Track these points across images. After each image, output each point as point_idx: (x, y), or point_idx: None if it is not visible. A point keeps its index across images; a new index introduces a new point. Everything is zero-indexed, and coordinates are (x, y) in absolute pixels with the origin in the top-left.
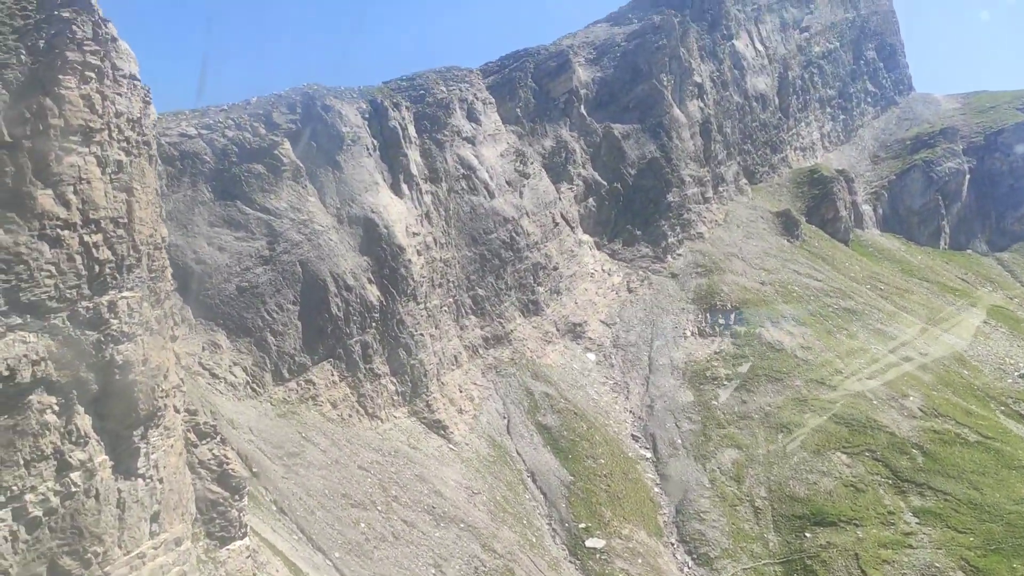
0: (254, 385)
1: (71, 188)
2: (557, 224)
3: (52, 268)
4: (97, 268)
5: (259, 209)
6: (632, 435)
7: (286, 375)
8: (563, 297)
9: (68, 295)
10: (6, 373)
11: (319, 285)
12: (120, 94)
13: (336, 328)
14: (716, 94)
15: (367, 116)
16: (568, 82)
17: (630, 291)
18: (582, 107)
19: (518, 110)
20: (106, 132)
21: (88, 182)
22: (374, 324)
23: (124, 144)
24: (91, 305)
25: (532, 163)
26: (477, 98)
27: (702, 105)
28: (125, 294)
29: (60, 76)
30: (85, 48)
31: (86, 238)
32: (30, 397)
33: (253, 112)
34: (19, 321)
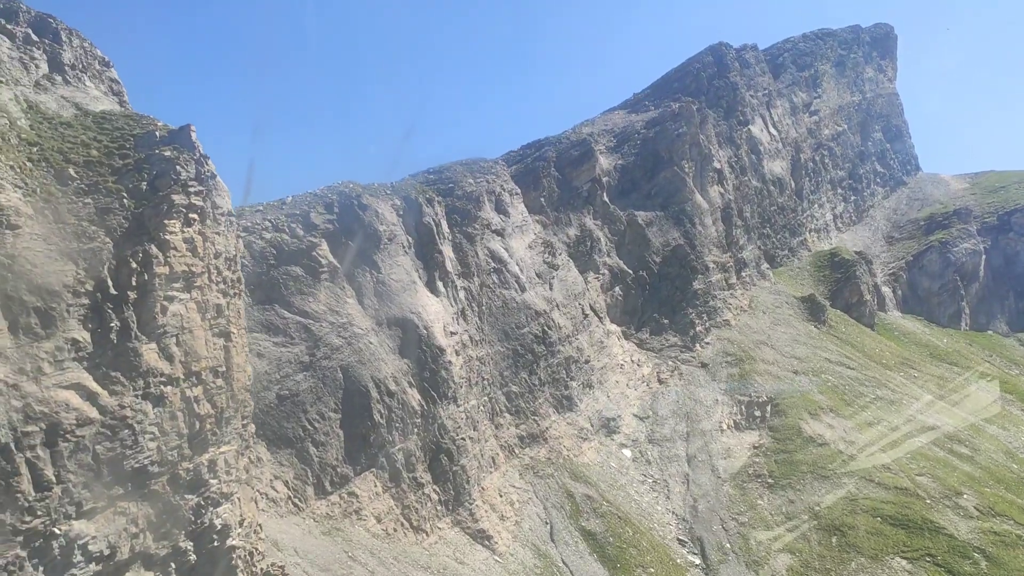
0: (296, 500)
1: (174, 340)
2: (587, 315)
3: (155, 429)
4: (198, 425)
5: (298, 312)
6: (678, 539)
7: (328, 488)
8: (595, 391)
9: (170, 457)
10: (107, 552)
11: (361, 391)
12: (218, 233)
13: (379, 436)
14: (735, 179)
15: (401, 213)
16: (591, 170)
17: (660, 382)
18: (605, 195)
19: (542, 199)
20: (206, 275)
21: (190, 331)
22: (416, 430)
23: (222, 286)
24: (191, 466)
25: (560, 253)
26: (504, 189)
27: (722, 191)
28: (223, 449)
29: (165, 221)
30: (190, 189)
31: (188, 392)
32: (127, 575)
33: (290, 212)
34: (121, 491)
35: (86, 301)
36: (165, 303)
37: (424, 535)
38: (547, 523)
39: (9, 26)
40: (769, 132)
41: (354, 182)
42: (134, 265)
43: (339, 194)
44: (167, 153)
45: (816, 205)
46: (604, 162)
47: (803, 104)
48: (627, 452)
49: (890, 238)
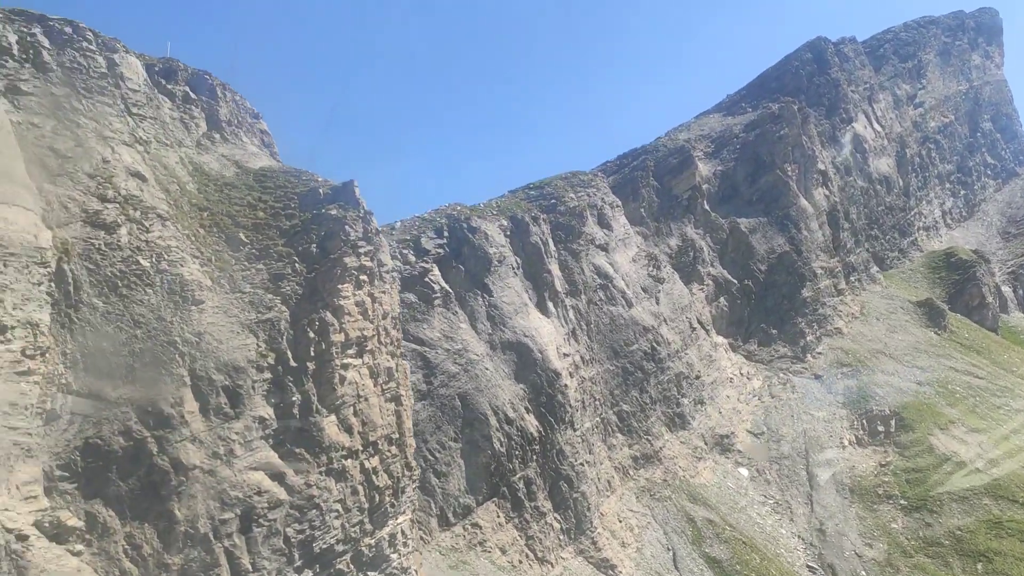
0: (421, 533)
1: (351, 410)
2: (694, 329)
3: (339, 506)
4: (377, 498)
5: (412, 340)
6: (808, 566)
7: (451, 519)
8: (707, 407)
9: (352, 534)
10: None
11: (480, 419)
12: (384, 292)
13: (499, 465)
14: (840, 180)
15: (508, 233)
16: (691, 178)
17: (772, 396)
18: (705, 203)
19: (642, 210)
20: (376, 338)
21: (366, 399)
22: (535, 457)
23: (391, 347)
24: (372, 542)
25: (664, 266)
26: (605, 202)
27: (827, 193)
28: (400, 520)
29: (339, 286)
30: (360, 250)
31: (366, 464)
32: None
33: (400, 238)
34: (310, 574)
35: (268, 375)
36: (342, 372)
37: (549, 566)
38: (669, 549)
39: (169, 86)
40: (873, 128)
41: (460, 204)
42: (311, 334)
43: (447, 217)
44: (333, 212)
45: (924, 202)
46: (703, 169)
47: (907, 96)
48: (744, 471)
49: (1005, 233)
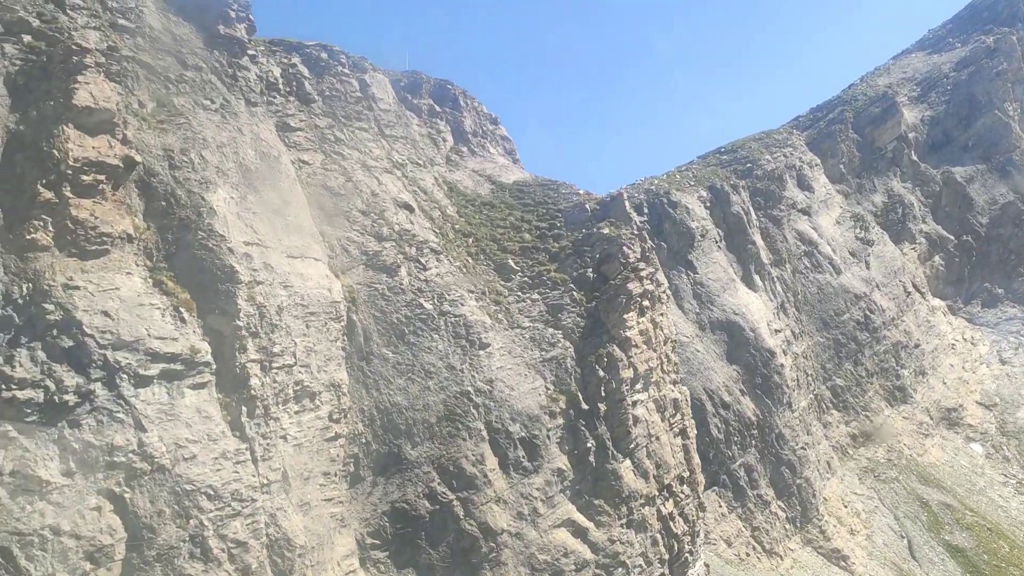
0: None
1: (644, 451)
2: (909, 293)
3: (641, 560)
4: (676, 546)
5: None
6: None
7: None
8: (929, 378)
9: None
10: None
11: (695, 404)
12: (663, 315)
13: (718, 452)
14: None
15: (708, 204)
16: (895, 128)
17: (1003, 362)
18: (913, 153)
19: (841, 167)
20: (659, 367)
21: (656, 438)
22: (753, 442)
23: (673, 375)
24: None
25: (871, 227)
26: (803, 162)
27: None
28: (697, 569)
29: (624, 316)
30: (641, 273)
31: (663, 510)
32: None
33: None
34: None
35: (561, 421)
36: (633, 411)
37: (778, 559)
38: (903, 536)
39: (415, 100)
40: None
41: (656, 177)
42: (600, 371)
43: (645, 192)
44: (606, 230)
45: None
46: (909, 116)
47: None
48: (977, 447)
49: None
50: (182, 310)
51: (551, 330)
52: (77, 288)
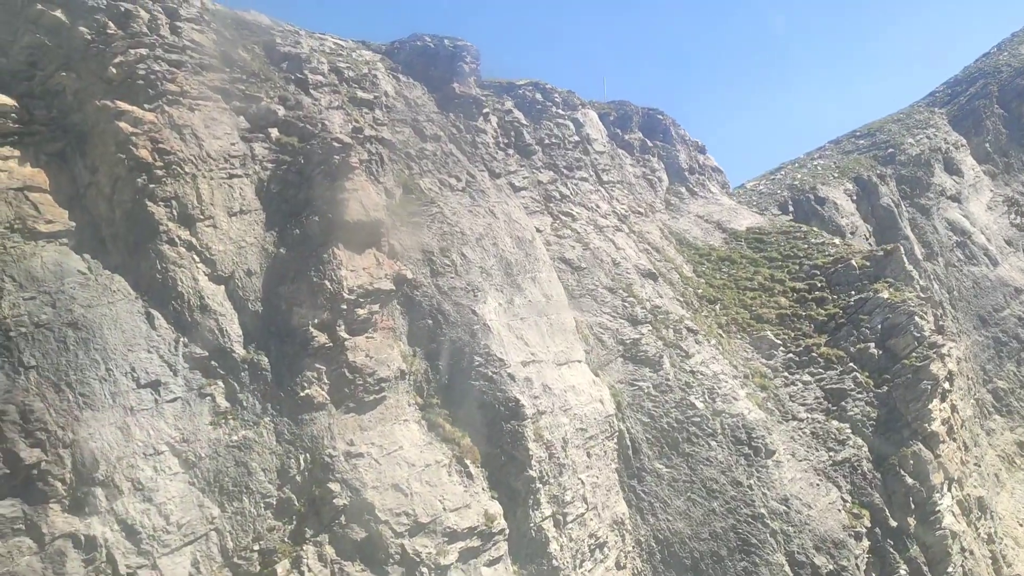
0: None
1: (960, 572)
2: None
3: None
4: None
5: None
6: None
7: None
8: None
9: None
10: None
11: None
12: (962, 397)
13: None
14: None
15: (855, 198)
16: None
17: None
18: None
19: (987, 145)
20: (959, 460)
21: (970, 553)
22: None
23: (972, 464)
24: None
25: None
26: (948, 143)
27: None
28: None
29: (928, 406)
30: (941, 350)
31: None
32: None
33: None
34: None
35: (867, 543)
36: (939, 525)
37: None
38: None
39: (626, 136)
40: None
41: (792, 165)
42: (907, 477)
43: (789, 188)
44: (884, 294)
45: None
46: None
47: None
48: None
49: None
50: (467, 462)
51: (835, 423)
52: (361, 456)
